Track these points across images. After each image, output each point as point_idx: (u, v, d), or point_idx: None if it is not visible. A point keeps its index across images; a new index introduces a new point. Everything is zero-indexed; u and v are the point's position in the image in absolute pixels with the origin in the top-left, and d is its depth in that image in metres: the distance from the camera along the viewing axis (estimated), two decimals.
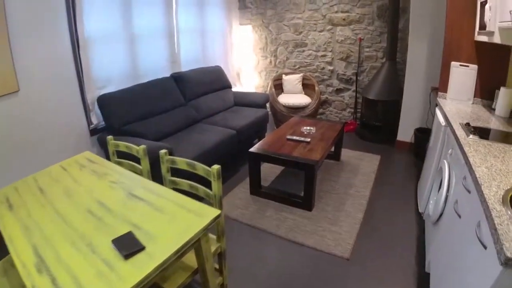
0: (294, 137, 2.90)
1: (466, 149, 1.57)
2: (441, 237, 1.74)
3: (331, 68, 4.49)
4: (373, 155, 3.61)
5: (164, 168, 1.76)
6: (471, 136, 1.74)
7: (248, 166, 2.81)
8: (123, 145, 2.04)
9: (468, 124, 1.96)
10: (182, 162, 1.67)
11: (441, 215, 1.82)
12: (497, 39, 1.93)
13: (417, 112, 3.70)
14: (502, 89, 2.28)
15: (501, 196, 1.11)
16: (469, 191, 1.38)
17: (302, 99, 4.23)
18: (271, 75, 4.91)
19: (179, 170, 1.74)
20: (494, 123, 2.09)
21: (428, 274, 1.84)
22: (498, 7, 1.89)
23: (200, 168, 1.58)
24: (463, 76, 2.61)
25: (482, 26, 2.21)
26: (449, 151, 1.96)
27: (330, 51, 4.41)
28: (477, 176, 1.28)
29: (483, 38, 2.21)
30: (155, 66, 3.47)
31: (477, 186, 1.24)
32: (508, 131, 1.91)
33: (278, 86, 4.57)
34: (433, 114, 3.37)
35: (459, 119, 2.11)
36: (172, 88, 3.32)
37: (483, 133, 1.83)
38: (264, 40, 4.80)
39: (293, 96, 4.35)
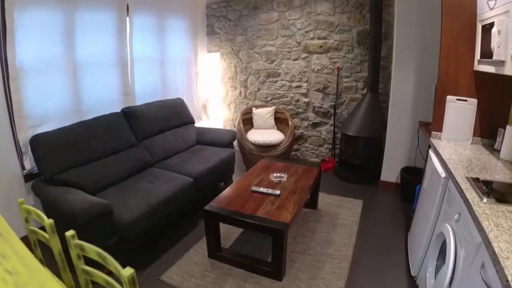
0: (261, 189, 2.46)
1: (484, 224, 1.18)
2: None
3: (306, 100, 4.23)
4: (355, 200, 3.25)
5: (73, 254, 1.33)
6: (485, 199, 1.37)
7: (205, 225, 2.34)
8: (35, 212, 1.60)
9: (477, 180, 1.59)
10: (92, 251, 1.24)
11: None
12: (509, 71, 1.62)
13: (403, 149, 3.42)
14: (508, 128, 1.98)
15: None
16: None
17: (274, 136, 3.89)
18: (241, 107, 4.62)
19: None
20: (504, 173, 1.73)
21: None
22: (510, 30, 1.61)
23: (112, 265, 1.13)
24: (460, 112, 2.31)
25: (486, 54, 1.94)
26: (455, 216, 1.56)
27: (306, 82, 4.15)
28: (508, 277, 0.89)
29: (487, 69, 1.93)
30: (103, 100, 3.10)
31: None
32: None
33: (248, 121, 4.25)
34: (422, 153, 3.20)
35: (463, 170, 1.77)
36: (122, 126, 2.93)
37: (498, 192, 1.47)
38: (234, 69, 4.53)
39: (264, 132, 4.03)
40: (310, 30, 3.99)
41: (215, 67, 4.58)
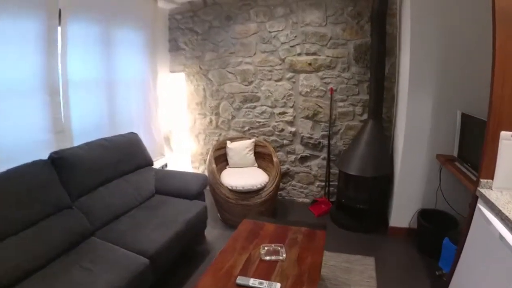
0: (251, 282, 1.67)
1: None
2: None
3: (292, 129, 3.67)
4: (364, 258, 2.66)
5: None
6: None
7: None
8: None
9: None
10: None
11: None
12: None
13: (417, 189, 2.94)
14: None
15: None
16: None
17: (256, 178, 3.25)
18: (211, 138, 4.00)
19: None
20: None
21: None
22: None
23: None
24: None
25: None
26: None
27: (292, 107, 3.61)
28: None
29: None
30: (21, 143, 2.32)
31: None
32: None
33: (222, 157, 3.61)
34: (444, 195, 2.74)
35: None
36: (48, 180, 2.16)
37: None
38: (202, 92, 3.89)
39: (243, 173, 3.40)
40: (297, 44, 3.47)
41: (180, 91, 3.95)
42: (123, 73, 3.27)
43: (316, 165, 3.74)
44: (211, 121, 4.00)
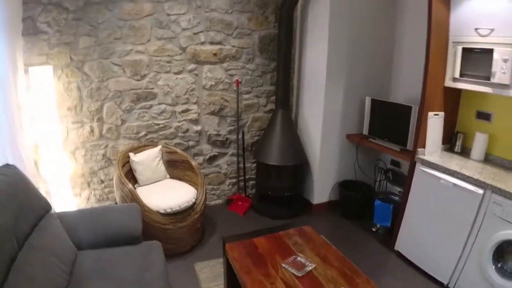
0: None
1: None
2: None
3: (198, 128, 3.54)
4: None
5: None
6: None
7: None
8: None
9: None
10: None
11: None
12: None
13: (335, 166, 3.72)
14: (478, 134, 2.69)
15: None
16: None
17: (183, 191, 3.01)
18: (95, 153, 3.28)
19: None
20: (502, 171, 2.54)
21: None
22: None
23: None
24: (436, 125, 2.88)
25: (465, 74, 2.57)
26: None
27: (195, 103, 3.45)
28: None
29: (478, 88, 2.58)
30: None
31: None
32: None
33: (127, 175, 3.03)
34: (361, 167, 3.74)
35: (492, 180, 2.37)
36: None
37: None
38: (76, 92, 3.05)
39: (163, 190, 3.07)
40: (200, 32, 3.28)
41: (45, 91, 2.89)
42: None
43: (225, 163, 3.78)
44: (92, 130, 3.16)
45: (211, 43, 3.37)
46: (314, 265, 2.00)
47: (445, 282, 2.61)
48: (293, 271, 1.95)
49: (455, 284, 2.57)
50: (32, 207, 2.06)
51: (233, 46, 3.46)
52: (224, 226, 3.38)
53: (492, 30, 2.34)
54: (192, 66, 3.36)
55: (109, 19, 2.96)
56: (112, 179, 3.37)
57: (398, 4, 3.44)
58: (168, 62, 3.26)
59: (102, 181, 3.32)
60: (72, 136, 3.08)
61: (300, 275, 1.92)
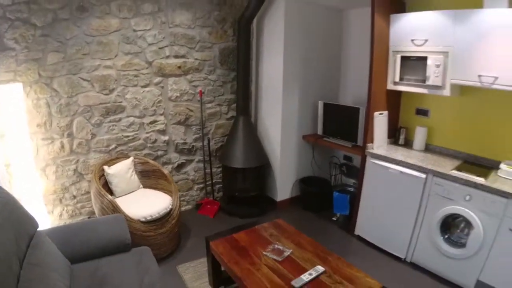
0: (305, 277, 2.13)
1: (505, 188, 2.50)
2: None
3: (165, 138, 3.72)
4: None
5: None
6: (482, 178, 2.65)
7: None
8: None
9: (459, 169, 2.92)
10: None
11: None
12: (446, 93, 2.90)
13: (293, 165, 4.19)
14: (418, 128, 3.35)
15: None
16: None
17: (159, 199, 3.18)
18: (66, 168, 3.29)
19: None
20: (445, 159, 3.14)
21: None
22: (451, 66, 2.82)
23: None
24: (381, 123, 3.43)
25: (404, 78, 3.18)
26: (466, 197, 2.69)
27: (162, 114, 3.63)
28: None
29: (412, 89, 3.26)
30: None
31: None
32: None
33: (103, 188, 3.09)
34: (318, 164, 4.31)
35: (432, 166, 2.96)
36: None
37: (477, 171, 2.82)
38: (45, 108, 3.06)
39: (139, 199, 3.22)
40: (165, 46, 3.48)
41: (14, 108, 2.87)
42: None
43: (192, 169, 4.00)
44: (62, 146, 3.15)
45: (176, 56, 3.58)
46: (291, 250, 2.40)
47: (403, 257, 3.14)
48: (274, 257, 2.31)
49: (411, 257, 3.10)
50: (25, 226, 2.15)
51: (196, 59, 3.71)
52: (198, 229, 3.60)
53: (426, 40, 2.91)
54: (158, 79, 3.53)
55: (77, 35, 3.03)
56: (84, 194, 3.42)
57: (344, 19, 4.05)
58: (136, 76, 3.40)
59: (75, 197, 3.34)
60: (42, 153, 3.08)
61: (280, 259, 2.30)
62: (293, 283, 2.04)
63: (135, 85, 3.43)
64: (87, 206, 3.44)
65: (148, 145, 3.64)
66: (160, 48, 3.48)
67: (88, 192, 3.43)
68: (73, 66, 3.08)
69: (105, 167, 3.20)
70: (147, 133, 3.60)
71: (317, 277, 2.14)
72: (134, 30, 3.30)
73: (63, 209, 3.32)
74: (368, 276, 2.15)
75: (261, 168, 3.99)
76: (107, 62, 3.23)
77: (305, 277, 2.09)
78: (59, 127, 3.12)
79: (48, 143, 3.11)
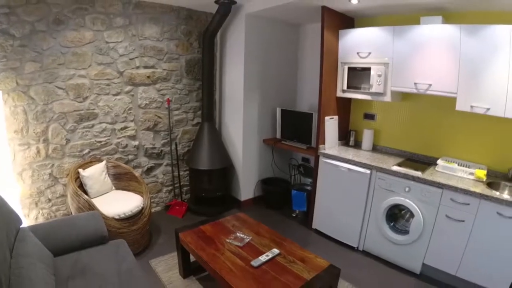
0: (263, 258, 2.47)
1: (439, 180, 2.93)
2: (447, 242, 2.90)
3: (136, 143, 3.93)
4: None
5: None
6: (420, 172, 3.12)
7: None
8: None
9: (400, 165, 3.36)
10: None
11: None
12: (387, 99, 3.39)
13: (255, 167, 4.56)
14: (365, 131, 3.84)
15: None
16: (467, 203, 2.68)
17: (131, 198, 3.40)
18: (42, 173, 3.40)
19: None
20: (389, 158, 3.59)
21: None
22: (390, 75, 3.29)
23: None
24: (332, 126, 3.86)
25: (354, 86, 3.62)
26: (405, 189, 3.10)
27: (132, 121, 3.85)
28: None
29: (358, 96, 3.74)
30: None
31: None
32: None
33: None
34: (278, 166, 4.76)
35: (376, 163, 3.41)
36: None
37: (415, 166, 3.36)
38: (22, 115, 3.18)
39: (112, 199, 3.41)
40: (136, 57, 3.72)
41: None
42: None
43: (161, 173, 4.23)
44: (38, 151, 3.26)
45: (145, 67, 3.85)
46: (251, 237, 2.80)
47: (355, 246, 3.57)
48: (236, 243, 2.69)
49: (363, 246, 3.54)
50: (12, 221, 2.34)
51: (164, 69, 4.00)
52: (167, 228, 3.85)
53: (369, 53, 3.41)
54: (128, 88, 3.77)
55: (54, 46, 3.23)
56: (59, 197, 3.56)
57: (300, 33, 4.55)
58: (108, 85, 3.63)
59: (50, 200, 3.47)
60: (19, 158, 3.20)
61: (241, 245, 2.68)
62: (252, 263, 2.39)
63: (107, 94, 3.65)
64: (61, 209, 3.57)
65: (120, 149, 3.85)
66: (130, 59, 3.73)
67: (63, 195, 3.58)
68: (49, 75, 3.26)
69: (80, 170, 3.38)
70: (118, 138, 3.82)
71: (273, 258, 2.48)
72: (107, 42, 3.54)
73: (39, 212, 3.44)
74: (318, 257, 2.53)
75: (225, 170, 4.31)
76: (81, 71, 3.44)
77: (263, 258, 2.45)
78: (35, 133, 3.27)
79: (25, 148, 3.24)
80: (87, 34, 3.40)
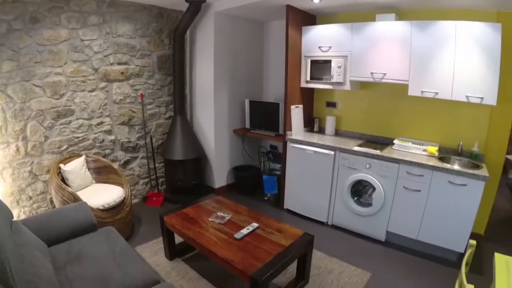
0: (244, 232, 2.78)
1: (395, 155, 3.35)
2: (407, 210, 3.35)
3: (112, 137, 4.04)
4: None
5: None
6: (378, 151, 3.54)
7: None
8: None
9: (361, 145, 3.76)
10: None
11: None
12: (347, 88, 3.78)
13: (227, 155, 4.84)
14: (328, 117, 4.21)
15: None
16: (421, 175, 3.10)
17: (113, 190, 3.55)
18: (23, 170, 3.42)
19: None
20: (348, 140, 3.99)
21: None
22: (349, 67, 3.68)
23: None
24: (297, 114, 4.22)
25: (316, 78, 3.95)
26: (366, 166, 3.49)
27: (108, 116, 3.95)
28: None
29: (320, 86, 4.02)
30: None
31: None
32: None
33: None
34: (248, 153, 5.13)
35: (339, 145, 3.83)
36: None
37: (373, 146, 3.79)
38: (1, 114, 3.19)
39: (95, 191, 3.53)
40: (110, 54, 3.81)
41: None
42: None
43: (137, 165, 4.38)
44: (18, 149, 3.26)
45: (119, 63, 3.97)
46: (231, 215, 3.14)
47: (325, 221, 3.98)
48: (218, 221, 3.03)
49: (332, 220, 3.94)
50: (6, 214, 2.42)
51: (137, 66, 4.14)
52: (148, 218, 4.05)
53: (330, 47, 3.77)
54: (103, 84, 3.88)
55: (30, 45, 3.27)
56: (39, 194, 3.63)
57: (265, 30, 4.87)
58: (83, 81, 3.71)
59: (31, 197, 3.52)
60: None
61: (223, 222, 3.01)
62: (235, 236, 2.73)
63: (83, 90, 3.73)
64: (42, 206, 3.64)
65: (97, 144, 3.95)
66: (105, 56, 3.84)
67: (43, 192, 3.65)
68: (26, 73, 3.30)
69: (61, 165, 3.47)
70: (95, 133, 3.92)
71: (253, 230, 2.83)
72: (82, 40, 3.62)
73: (21, 211, 3.49)
74: (292, 228, 2.91)
75: (199, 160, 4.56)
76: (58, 69, 3.51)
77: (244, 231, 2.79)
78: (14, 131, 3.30)
79: (4, 147, 3.26)
80: (63, 32, 3.47)
